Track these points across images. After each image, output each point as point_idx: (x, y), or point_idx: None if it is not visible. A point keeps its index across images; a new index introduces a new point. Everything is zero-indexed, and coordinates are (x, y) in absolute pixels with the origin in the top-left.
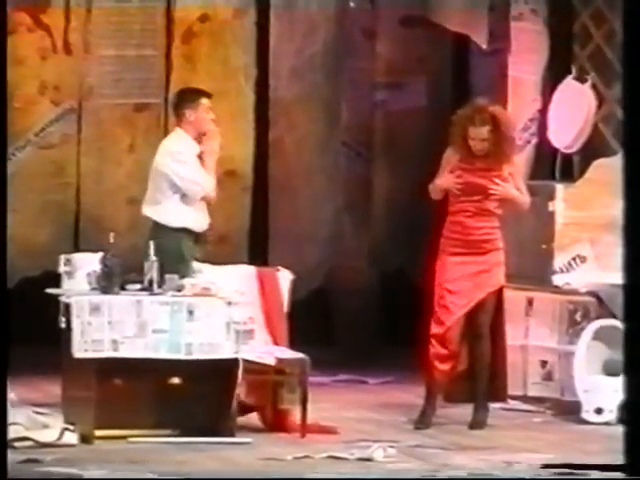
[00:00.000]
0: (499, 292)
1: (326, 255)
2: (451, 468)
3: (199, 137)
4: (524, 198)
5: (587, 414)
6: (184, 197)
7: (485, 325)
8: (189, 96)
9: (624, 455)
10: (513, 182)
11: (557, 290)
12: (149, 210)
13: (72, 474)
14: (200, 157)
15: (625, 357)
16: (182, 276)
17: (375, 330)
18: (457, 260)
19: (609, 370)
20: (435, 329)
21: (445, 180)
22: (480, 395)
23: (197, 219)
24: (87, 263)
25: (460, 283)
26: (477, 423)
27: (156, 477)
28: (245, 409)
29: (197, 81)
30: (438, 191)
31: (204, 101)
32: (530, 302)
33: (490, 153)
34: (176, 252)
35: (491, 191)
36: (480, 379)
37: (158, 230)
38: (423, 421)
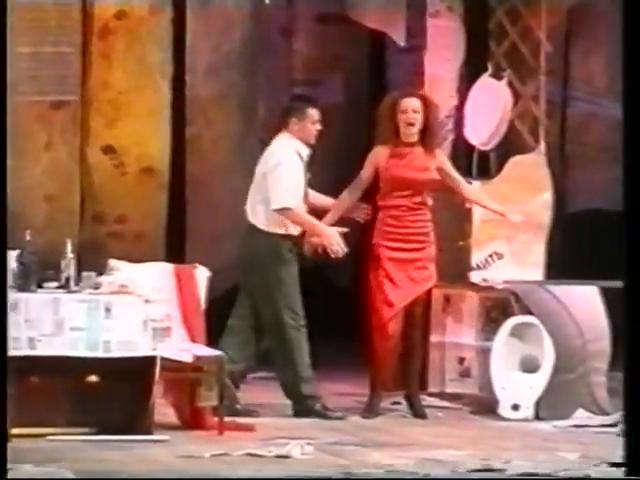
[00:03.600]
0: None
1: None
2: (368, 465)
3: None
4: (464, 185)
5: (504, 410)
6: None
7: (420, 318)
8: (297, 104)
9: (624, 454)
10: (447, 172)
11: (474, 287)
12: (249, 213)
13: None
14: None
15: (625, 356)
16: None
17: None
18: (395, 255)
19: (526, 367)
20: (377, 323)
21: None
22: (415, 385)
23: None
24: None
25: (400, 277)
26: (421, 412)
27: (73, 475)
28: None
29: (114, 78)
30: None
31: (311, 112)
32: (447, 299)
33: (420, 139)
34: (273, 254)
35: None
36: (415, 370)
37: (253, 232)
38: (371, 410)
